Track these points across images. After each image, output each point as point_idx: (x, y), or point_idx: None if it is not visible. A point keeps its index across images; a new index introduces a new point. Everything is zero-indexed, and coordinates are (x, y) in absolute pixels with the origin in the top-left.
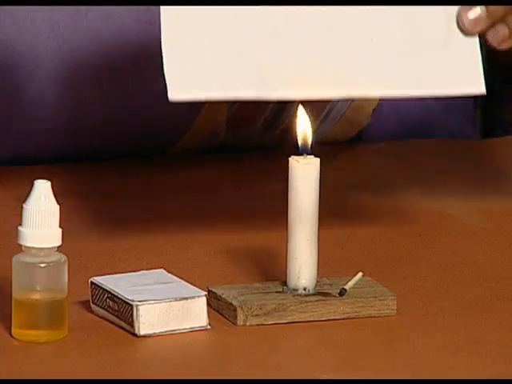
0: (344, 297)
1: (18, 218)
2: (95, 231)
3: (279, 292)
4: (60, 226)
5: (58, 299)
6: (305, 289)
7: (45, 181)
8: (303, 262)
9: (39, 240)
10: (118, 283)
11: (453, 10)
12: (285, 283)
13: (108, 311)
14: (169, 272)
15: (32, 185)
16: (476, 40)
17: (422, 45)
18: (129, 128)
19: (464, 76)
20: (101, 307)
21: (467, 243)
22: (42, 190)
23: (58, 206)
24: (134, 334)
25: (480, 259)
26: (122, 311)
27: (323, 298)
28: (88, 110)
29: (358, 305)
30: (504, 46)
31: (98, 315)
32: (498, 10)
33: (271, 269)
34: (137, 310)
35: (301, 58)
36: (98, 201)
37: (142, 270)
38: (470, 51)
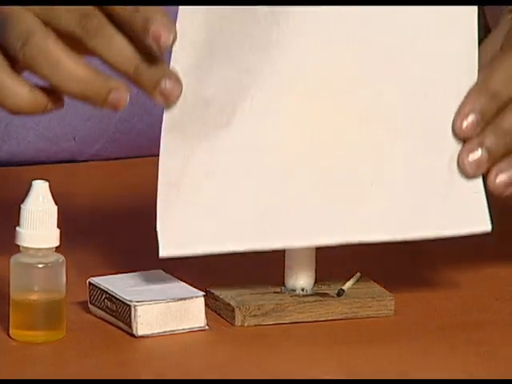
0: (342, 297)
1: (16, 219)
2: (93, 232)
3: (277, 292)
4: (58, 227)
5: (55, 300)
6: (303, 289)
7: (43, 181)
8: (301, 262)
9: (37, 240)
10: (116, 284)
11: (454, 150)
12: (283, 284)
13: (106, 312)
14: (167, 273)
15: (30, 185)
16: (479, 178)
17: (423, 185)
18: (127, 131)
19: (469, 215)
20: (99, 308)
21: None
22: (40, 190)
23: (56, 207)
24: (132, 335)
25: (478, 259)
26: (120, 312)
27: (321, 298)
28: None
29: (356, 305)
30: (508, 192)
31: (96, 316)
32: (499, 151)
33: (269, 269)
34: (135, 310)
35: (299, 206)
36: (96, 201)
37: (141, 270)
38: (474, 189)
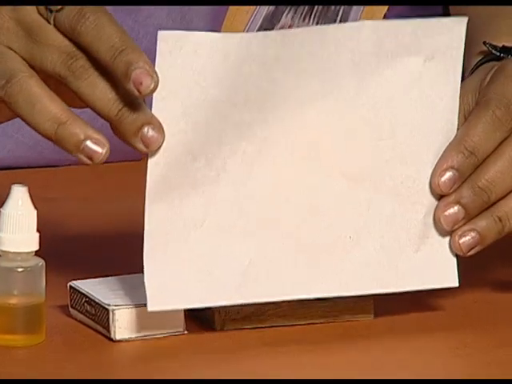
0: (322, 301)
1: None
2: (74, 235)
3: None
4: (38, 231)
5: (35, 304)
6: None
7: (22, 185)
8: None
9: (16, 244)
10: (96, 287)
11: (431, 205)
12: None
13: (86, 315)
14: None
15: (9, 189)
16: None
17: (397, 239)
18: (110, 136)
19: (438, 270)
20: (79, 311)
21: None
22: (20, 194)
23: (35, 211)
24: (111, 339)
25: (461, 263)
26: (99, 315)
27: (301, 301)
28: None
29: (337, 308)
30: (471, 253)
31: (76, 319)
32: (475, 207)
33: None
34: (112, 314)
35: (282, 260)
36: (77, 205)
37: (122, 274)
38: (446, 244)
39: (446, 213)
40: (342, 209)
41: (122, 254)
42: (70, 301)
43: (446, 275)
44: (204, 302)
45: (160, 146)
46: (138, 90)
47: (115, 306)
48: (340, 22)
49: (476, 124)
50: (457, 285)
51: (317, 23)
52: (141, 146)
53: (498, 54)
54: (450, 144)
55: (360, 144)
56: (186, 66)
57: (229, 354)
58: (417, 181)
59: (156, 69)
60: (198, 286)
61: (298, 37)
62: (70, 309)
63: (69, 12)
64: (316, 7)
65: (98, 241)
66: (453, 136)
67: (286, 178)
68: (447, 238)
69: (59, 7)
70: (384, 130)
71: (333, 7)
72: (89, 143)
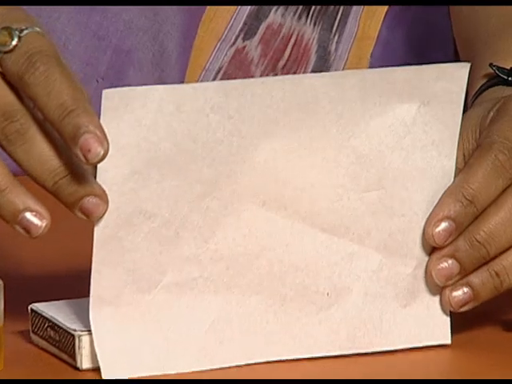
0: None
1: None
2: (35, 255)
3: None
4: None
5: None
6: None
7: None
8: None
9: None
10: (60, 310)
11: (422, 256)
12: None
13: (49, 342)
14: None
15: None
16: None
17: (384, 293)
18: None
19: (429, 326)
20: (41, 337)
21: None
22: None
23: None
24: (77, 368)
25: None
26: (64, 342)
27: None
28: None
29: None
30: (463, 310)
31: (38, 346)
32: (471, 263)
33: None
34: (79, 340)
35: (248, 322)
36: None
37: (88, 296)
38: (438, 300)
39: (439, 266)
40: (318, 263)
41: (87, 274)
42: (32, 325)
43: (438, 332)
44: (163, 369)
45: (103, 215)
46: (85, 158)
47: (82, 331)
48: (339, 22)
49: (476, 170)
50: (449, 342)
51: (314, 23)
52: (81, 216)
53: (506, 77)
54: (447, 191)
55: (342, 196)
56: (134, 122)
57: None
58: (407, 233)
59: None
60: (155, 352)
61: (265, 87)
62: (32, 334)
63: (18, 57)
64: (314, 6)
65: (61, 261)
66: (449, 183)
67: (257, 233)
68: (439, 293)
69: (10, 48)
70: (371, 181)
71: (332, 7)
72: (27, 215)
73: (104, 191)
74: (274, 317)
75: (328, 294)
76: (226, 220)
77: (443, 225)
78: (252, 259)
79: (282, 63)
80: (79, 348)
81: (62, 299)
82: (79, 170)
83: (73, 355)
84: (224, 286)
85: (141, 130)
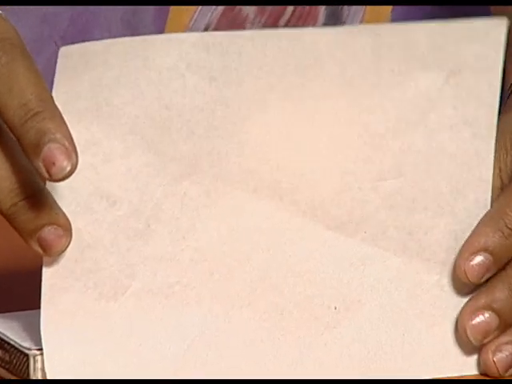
0: None
1: None
2: None
3: None
4: None
5: None
6: None
7: None
8: None
9: None
10: (10, 325)
11: (449, 261)
12: None
13: None
14: None
15: None
16: None
17: (404, 311)
18: None
19: (458, 354)
20: None
21: None
22: None
23: None
24: None
25: None
26: (15, 363)
27: None
28: None
29: None
30: (507, 374)
31: None
32: (510, 317)
33: None
34: (34, 361)
35: (236, 337)
36: None
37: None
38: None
39: (474, 321)
40: (323, 269)
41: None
42: None
43: (466, 360)
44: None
45: (65, 249)
46: (48, 172)
47: (38, 349)
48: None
49: None
50: (476, 372)
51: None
52: (37, 248)
53: None
54: (484, 217)
55: (352, 185)
56: (94, 82)
57: None
58: (430, 231)
59: (54, 91)
60: (120, 375)
61: (256, 42)
62: None
63: None
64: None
65: (11, 266)
66: (485, 172)
67: (246, 228)
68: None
69: None
70: (387, 167)
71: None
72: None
73: (69, 222)
74: (269, 335)
75: (335, 308)
76: (209, 210)
77: (479, 258)
78: (241, 261)
79: (283, 20)
80: (34, 370)
81: (12, 311)
82: (42, 192)
83: (27, 377)
84: (207, 294)
85: (101, 90)
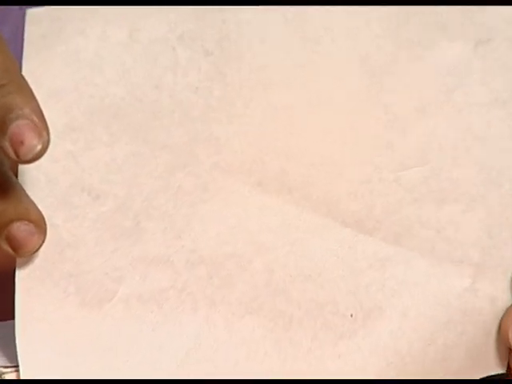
0: None
1: None
2: None
3: None
4: None
5: None
6: None
7: None
8: None
9: None
10: None
11: (484, 263)
12: None
13: None
14: None
15: None
16: None
17: (431, 319)
18: None
19: (488, 357)
20: None
21: None
22: None
23: None
24: None
25: None
26: None
27: None
28: None
29: None
30: None
31: None
32: None
33: None
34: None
35: (232, 348)
36: None
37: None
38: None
39: None
40: (338, 272)
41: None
42: None
43: (493, 361)
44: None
45: (38, 248)
46: (16, 153)
47: (6, 366)
48: None
49: None
50: (503, 371)
51: None
52: (6, 248)
53: None
54: None
55: (371, 175)
56: (70, 56)
57: None
58: (461, 228)
59: (24, 66)
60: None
61: (258, 11)
62: None
63: None
64: None
65: None
66: None
67: (250, 226)
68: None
69: None
70: (410, 154)
71: None
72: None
73: (42, 217)
74: (275, 346)
75: (352, 316)
76: (207, 206)
77: None
78: (244, 263)
79: None
80: None
81: None
82: (9, 182)
83: None
84: (205, 301)
85: (79, 66)
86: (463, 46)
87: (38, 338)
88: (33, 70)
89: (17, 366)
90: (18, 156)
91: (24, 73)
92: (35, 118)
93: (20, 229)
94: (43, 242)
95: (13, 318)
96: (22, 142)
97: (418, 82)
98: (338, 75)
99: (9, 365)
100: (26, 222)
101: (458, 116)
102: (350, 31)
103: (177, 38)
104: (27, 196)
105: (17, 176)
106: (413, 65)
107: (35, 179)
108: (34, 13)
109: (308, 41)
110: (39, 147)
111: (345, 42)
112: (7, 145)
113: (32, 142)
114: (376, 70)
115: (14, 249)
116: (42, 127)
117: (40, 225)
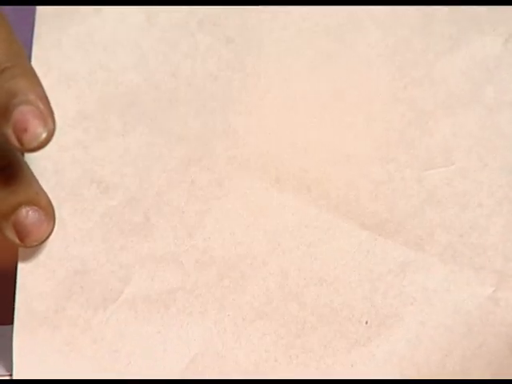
0: None
1: None
2: None
3: None
4: None
5: None
6: None
7: None
8: None
9: None
10: None
11: (508, 275)
12: None
13: None
14: None
15: None
16: None
17: (449, 329)
18: None
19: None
20: None
21: None
22: None
23: None
24: None
25: None
26: None
27: None
28: None
29: None
30: None
31: None
32: None
33: None
34: None
35: (243, 353)
36: None
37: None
38: None
39: None
40: (354, 276)
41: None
42: None
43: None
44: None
45: (46, 238)
46: (19, 140)
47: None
48: None
49: None
50: None
51: None
52: (11, 236)
53: None
54: None
55: (393, 174)
56: (84, 39)
57: None
58: (486, 233)
59: (35, 47)
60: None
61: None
62: None
63: None
64: None
65: None
66: None
67: (265, 226)
68: None
69: None
70: (435, 153)
71: None
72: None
73: (52, 205)
74: (286, 354)
75: (367, 323)
76: (221, 203)
77: None
78: (257, 265)
79: None
80: None
81: None
82: (19, 164)
83: None
84: (214, 303)
85: (94, 50)
86: (494, 41)
87: (35, 343)
88: (43, 51)
89: (7, 373)
90: (21, 144)
91: (34, 54)
92: (40, 105)
93: (29, 215)
94: (51, 232)
95: (10, 322)
96: (25, 130)
97: (445, 77)
98: (363, 67)
99: (5, 373)
100: (36, 208)
101: (487, 114)
102: (378, 21)
103: (197, 23)
104: (37, 181)
105: None
106: (441, 59)
107: (42, 168)
108: (43, 10)
109: (333, 30)
110: (44, 135)
111: (372, 32)
112: (10, 132)
113: (36, 130)
114: (403, 63)
115: (21, 237)
116: (47, 114)
117: (49, 212)
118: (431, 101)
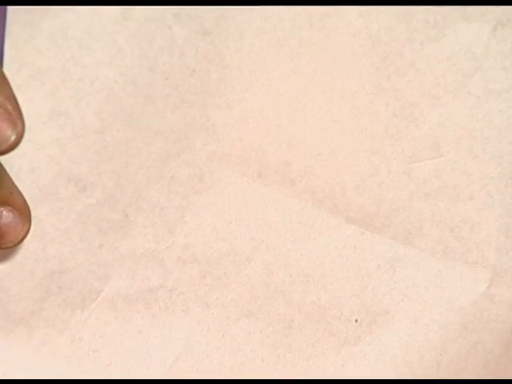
0: None
1: None
2: None
3: None
4: None
5: None
6: None
7: None
8: None
9: None
10: None
11: (501, 270)
12: None
13: None
14: None
15: None
16: None
17: (443, 327)
18: None
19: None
20: None
21: None
22: None
23: None
24: None
25: None
26: None
27: None
28: None
29: None
30: None
31: None
32: None
33: None
34: None
35: (227, 352)
36: None
37: None
38: None
39: None
40: (343, 274)
41: None
42: None
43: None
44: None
45: (21, 240)
46: None
47: None
48: None
49: None
50: None
51: None
52: None
53: None
54: None
55: (379, 167)
56: (57, 33)
57: None
58: (477, 227)
59: (7, 43)
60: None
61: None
62: None
63: None
64: None
65: None
66: None
67: (248, 221)
68: None
69: None
70: (422, 145)
71: None
72: None
73: (27, 206)
74: (273, 353)
75: (356, 321)
76: (202, 198)
77: None
78: (240, 262)
79: None
80: None
81: None
82: None
83: None
84: (198, 302)
85: (68, 46)
86: (481, 28)
87: (13, 341)
88: (16, 47)
89: None
90: None
91: (6, 50)
92: (9, 106)
93: (3, 215)
94: (27, 232)
95: None
96: None
97: (432, 66)
98: (346, 56)
99: None
100: (10, 208)
101: (476, 104)
102: (360, 10)
103: (173, 15)
104: (12, 181)
105: None
106: (427, 47)
107: (17, 167)
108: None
109: (314, 20)
110: (13, 138)
111: (355, 20)
112: None
113: (6, 133)
114: (387, 51)
115: None
116: (16, 116)
117: (25, 212)
118: (417, 91)
